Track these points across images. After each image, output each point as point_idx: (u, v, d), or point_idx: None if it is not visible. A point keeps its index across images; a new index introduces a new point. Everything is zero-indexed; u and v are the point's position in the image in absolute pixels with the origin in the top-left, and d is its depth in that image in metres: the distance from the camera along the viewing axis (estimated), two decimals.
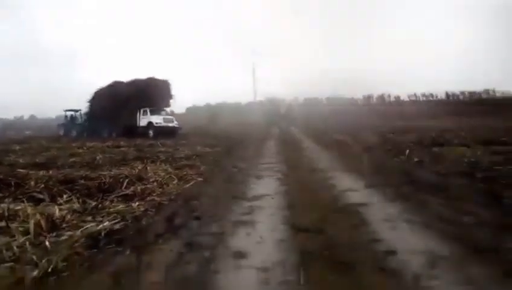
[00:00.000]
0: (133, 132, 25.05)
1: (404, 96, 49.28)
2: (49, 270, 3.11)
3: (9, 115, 70.40)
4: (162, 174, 7.68)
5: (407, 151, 9.93)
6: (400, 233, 3.99)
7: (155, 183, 6.79)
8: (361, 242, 3.73)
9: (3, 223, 4.33)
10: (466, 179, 6.42)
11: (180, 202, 5.64)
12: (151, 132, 24.46)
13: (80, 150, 13.76)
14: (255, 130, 27.54)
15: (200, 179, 7.58)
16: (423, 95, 47.43)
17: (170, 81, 28.23)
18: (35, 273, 3.05)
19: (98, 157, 10.79)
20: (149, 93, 26.51)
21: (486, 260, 3.14)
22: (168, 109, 28.61)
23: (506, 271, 2.92)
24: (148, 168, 8.27)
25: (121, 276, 3.03)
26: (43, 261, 3.25)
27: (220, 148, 14.26)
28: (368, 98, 51.42)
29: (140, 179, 7.06)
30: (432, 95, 46.74)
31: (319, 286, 2.84)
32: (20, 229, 4.13)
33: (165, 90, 27.89)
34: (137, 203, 5.39)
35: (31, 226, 4.10)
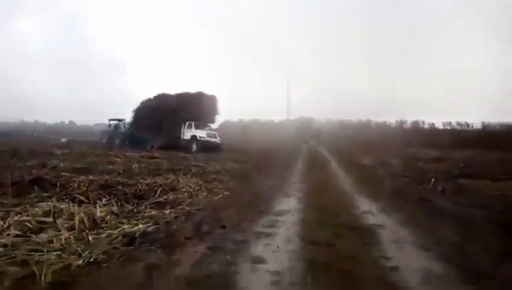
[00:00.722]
0: (175, 144, 24.81)
1: (438, 124, 47.97)
2: (91, 260, 3.59)
3: (50, 119, 73.08)
4: (193, 186, 8.16)
5: (433, 180, 9.98)
6: (404, 253, 4.33)
7: (186, 194, 7.28)
8: (367, 257, 4.09)
9: (50, 219, 4.86)
10: (484, 211, 6.51)
11: (208, 212, 6.06)
12: (194, 146, 24.30)
13: (117, 159, 14.47)
14: (284, 148, 27.78)
15: (227, 193, 8.00)
16: (458, 123, 45.69)
17: (218, 97, 28.30)
18: (79, 262, 3.53)
19: (134, 166, 11.42)
20: (197, 107, 26.60)
21: (477, 283, 3.43)
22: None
23: None
24: (180, 179, 8.76)
25: (152, 269, 3.48)
26: (86, 252, 3.76)
27: (249, 165, 14.65)
28: (401, 123, 50.40)
29: (172, 189, 7.56)
30: (467, 124, 44.92)
31: None
32: (65, 225, 4.65)
33: (212, 105, 27.95)
34: (168, 211, 5.88)
35: (76, 222, 4.62)
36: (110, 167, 11.36)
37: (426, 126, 48.72)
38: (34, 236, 4.21)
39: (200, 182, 8.87)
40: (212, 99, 27.72)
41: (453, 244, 4.62)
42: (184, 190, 7.62)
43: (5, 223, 4.53)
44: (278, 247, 4.34)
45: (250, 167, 13.89)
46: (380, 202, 7.40)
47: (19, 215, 4.90)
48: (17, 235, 4.23)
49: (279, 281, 3.34)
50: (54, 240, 4.06)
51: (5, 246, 3.87)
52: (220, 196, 7.58)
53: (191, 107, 26.22)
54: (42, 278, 3.18)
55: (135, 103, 29.45)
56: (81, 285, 3.16)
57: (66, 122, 74.71)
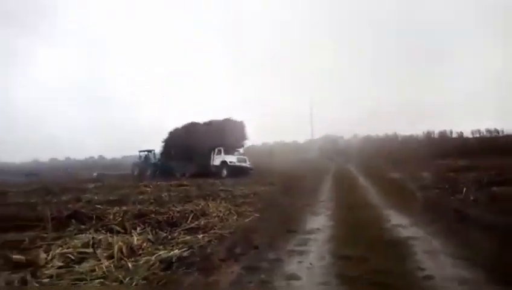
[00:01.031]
0: (206, 171, 25.27)
1: (467, 133, 46.71)
2: (133, 286, 3.73)
3: (81, 155, 74.92)
4: (223, 210, 8.28)
5: (464, 190, 9.78)
6: (439, 264, 4.30)
7: (216, 218, 7.40)
8: (402, 269, 4.09)
9: (90, 250, 5.06)
10: None
11: (239, 234, 6.15)
12: (224, 171, 24.64)
13: (148, 189, 14.81)
14: (311, 168, 27.70)
15: (257, 214, 8.08)
16: (488, 131, 44.20)
17: (245, 123, 28.79)
18: (122, 288, 3.67)
19: (164, 195, 11.66)
20: (225, 134, 27.01)
21: None
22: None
23: None
24: (210, 205, 8.90)
25: None
26: (127, 279, 3.91)
27: (277, 187, 14.70)
28: (428, 134, 49.34)
29: (203, 214, 7.70)
30: (497, 131, 43.34)
31: None
32: (105, 254, 4.84)
33: (240, 131, 28.44)
34: (201, 235, 6.00)
35: (116, 251, 4.80)
36: (141, 197, 11.63)
37: (454, 135, 47.65)
38: (76, 266, 4.42)
39: (229, 206, 8.99)
40: (239, 125, 28.21)
41: (488, 253, 4.55)
42: (214, 214, 7.76)
43: (48, 255, 4.76)
44: (311, 264, 4.38)
45: (278, 189, 13.95)
46: (411, 215, 7.31)
47: (60, 248, 5.12)
48: (60, 267, 4.44)
49: None
50: (96, 269, 4.24)
51: (50, 277, 4.08)
52: (250, 219, 7.66)
53: (220, 134, 26.66)
54: None
55: (164, 133, 30.25)
56: None
57: (96, 157, 76.79)
